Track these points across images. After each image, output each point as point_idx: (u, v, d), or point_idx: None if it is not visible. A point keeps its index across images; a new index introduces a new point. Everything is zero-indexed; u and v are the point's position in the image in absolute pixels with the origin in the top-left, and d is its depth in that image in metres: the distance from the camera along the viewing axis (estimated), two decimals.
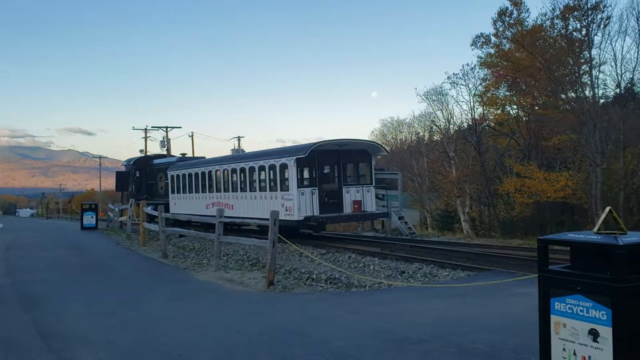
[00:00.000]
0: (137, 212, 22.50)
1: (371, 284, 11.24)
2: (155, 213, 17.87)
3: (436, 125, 41.99)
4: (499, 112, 33.74)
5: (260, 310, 8.60)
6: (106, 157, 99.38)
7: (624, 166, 25.26)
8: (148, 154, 40.55)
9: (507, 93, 32.96)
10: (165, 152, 44.43)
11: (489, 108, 34.72)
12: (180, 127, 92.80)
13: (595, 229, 3.95)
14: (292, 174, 18.09)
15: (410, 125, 54.38)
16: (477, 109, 36.61)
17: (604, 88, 28.37)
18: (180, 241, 20.84)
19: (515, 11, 31.16)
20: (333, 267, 12.98)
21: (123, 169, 33.75)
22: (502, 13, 31.39)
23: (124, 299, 9.62)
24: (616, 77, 26.68)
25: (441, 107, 40.48)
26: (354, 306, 8.61)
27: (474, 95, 36.36)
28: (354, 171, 19.96)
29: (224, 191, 22.16)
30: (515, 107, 33.30)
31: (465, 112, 38.62)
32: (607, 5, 25.35)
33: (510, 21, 31.32)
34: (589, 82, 26.34)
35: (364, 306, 8.60)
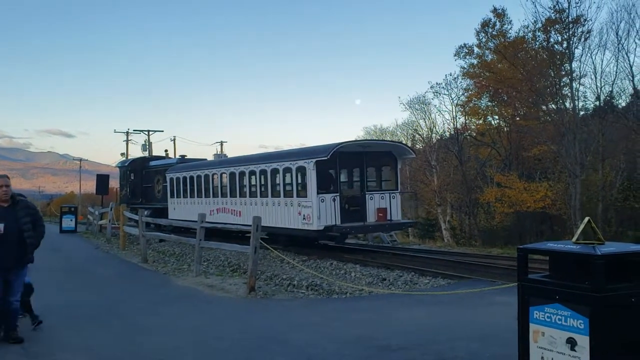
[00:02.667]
0: (118, 216, 22.28)
1: (352, 291, 11.26)
2: (136, 217, 17.70)
3: (419, 134, 42.30)
4: (480, 122, 34.13)
5: (240, 317, 8.57)
6: (87, 160, 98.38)
7: (603, 177, 25.66)
8: (133, 156, 39.77)
9: (489, 103, 33.36)
10: (152, 154, 44.02)
11: (471, 118, 35.11)
12: (162, 131, 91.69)
13: (574, 239, 4.02)
14: (311, 178, 16.35)
15: (393, 134, 54.53)
16: (459, 118, 37.03)
17: (584, 100, 28.81)
18: (160, 246, 20.68)
19: (498, 23, 31.62)
20: (314, 274, 12.97)
21: (104, 171, 33.29)
22: (485, 24, 31.81)
23: (103, 304, 9.52)
24: (596, 90, 27.14)
25: (424, 116, 40.92)
26: (334, 313, 8.61)
27: (456, 105, 36.78)
28: (378, 175, 18.24)
29: (231, 196, 20.43)
30: (496, 117, 33.72)
31: (448, 121, 39.17)
32: (588, 19, 25.75)
33: (493, 32, 31.75)
34: (569, 94, 26.73)
35: (345, 313, 8.61)
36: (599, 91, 27.01)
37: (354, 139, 17.26)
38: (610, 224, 26.09)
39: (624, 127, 25.50)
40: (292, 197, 17.14)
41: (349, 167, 17.89)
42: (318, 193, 16.27)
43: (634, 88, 25.82)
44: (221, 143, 53.62)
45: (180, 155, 29.35)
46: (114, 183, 37.71)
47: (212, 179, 21.93)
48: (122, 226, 19.86)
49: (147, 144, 49.20)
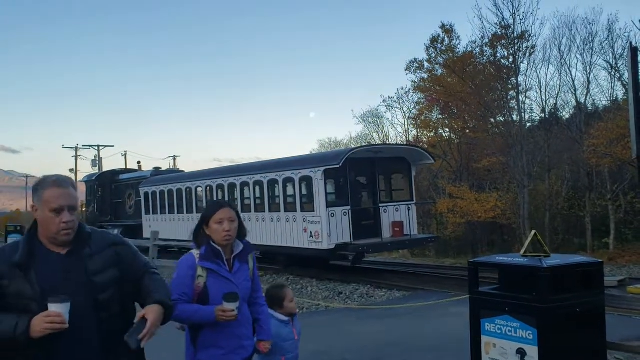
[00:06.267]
0: None
1: (309, 306, 11.27)
2: None
3: None
4: (432, 134, 34.76)
5: None
6: (33, 176, 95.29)
7: (549, 187, 26.47)
8: (104, 170, 38.19)
9: (440, 116, 34.03)
10: (101, 169, 42.94)
11: (423, 131, 35.76)
12: (113, 146, 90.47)
13: (522, 252, 4.16)
14: (319, 189, 14.36)
15: (347, 147, 55.11)
16: (411, 131, 37.72)
17: (530, 113, 29.78)
18: None
19: (446, 38, 32.33)
20: None
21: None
22: (434, 40, 32.49)
23: None
24: (541, 103, 28.10)
25: (377, 129, 41.50)
26: None
27: (409, 118, 37.50)
28: (391, 184, 16.47)
29: None
30: (447, 130, 34.40)
31: (400, 134, 39.63)
32: (532, 35, 26.59)
33: (442, 48, 32.45)
34: (516, 107, 27.55)
35: (301, 329, 8.59)
36: (544, 104, 28.01)
37: (364, 145, 14.90)
38: (557, 232, 26.89)
39: (568, 139, 26.40)
40: (295, 211, 15.26)
41: (361, 175, 15.95)
42: (327, 206, 14.36)
43: (577, 101, 26.81)
44: (174, 157, 52.88)
45: (154, 167, 27.49)
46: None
47: (196, 192, 19.94)
48: None
49: (97, 159, 48.08)
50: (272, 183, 16.25)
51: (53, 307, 2.34)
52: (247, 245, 3.43)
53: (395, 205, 15.69)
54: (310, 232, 14.52)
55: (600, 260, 4.19)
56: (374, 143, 40.35)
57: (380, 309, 10.13)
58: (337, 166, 14.10)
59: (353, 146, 41.44)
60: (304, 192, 15.20)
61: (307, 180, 14.95)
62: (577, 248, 23.91)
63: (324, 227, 14.16)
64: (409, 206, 15.84)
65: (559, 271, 3.84)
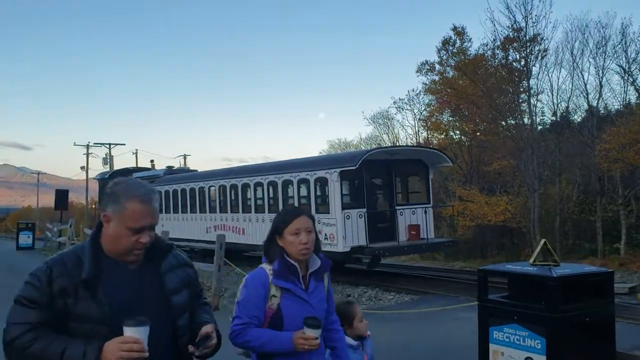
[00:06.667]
0: (78, 232, 21.77)
1: None
2: None
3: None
4: (442, 136, 34.69)
5: None
6: (45, 173, 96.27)
7: (560, 191, 26.30)
8: (119, 168, 38.55)
9: (451, 118, 33.94)
10: (107, 169, 43.22)
11: (433, 133, 35.69)
12: (124, 144, 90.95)
13: (531, 260, 4.15)
14: (334, 191, 14.25)
15: (357, 148, 55.08)
16: (421, 133, 37.61)
17: (541, 116, 29.58)
18: None
19: (458, 41, 32.25)
20: None
21: (63, 184, 32.31)
22: (445, 42, 32.44)
23: None
24: (552, 106, 27.90)
25: (387, 131, 41.42)
26: None
27: (419, 120, 37.40)
28: (407, 187, 16.33)
29: (232, 212, 18.29)
30: (458, 132, 34.29)
31: (411, 136, 39.50)
32: (544, 38, 26.42)
33: (454, 50, 32.38)
34: (527, 110, 27.41)
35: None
36: (556, 107, 27.79)
37: (380, 147, 14.75)
38: (568, 236, 26.70)
39: (580, 142, 26.20)
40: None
41: (376, 177, 15.79)
42: (343, 208, 14.22)
43: (589, 104, 26.61)
44: (184, 156, 53.08)
45: (167, 166, 27.51)
46: (74, 197, 36.86)
47: (209, 192, 19.87)
48: None
49: (109, 157, 48.36)
50: (286, 184, 16.09)
51: (129, 332, 2.00)
52: (324, 261, 2.97)
53: (411, 208, 15.41)
54: (325, 234, 14.27)
55: (610, 270, 4.19)
56: (385, 145, 40.33)
57: (388, 313, 10.13)
58: (354, 168, 13.95)
59: (363, 147, 41.38)
60: (319, 193, 15.08)
61: (322, 182, 14.81)
62: (587, 253, 23.74)
63: (339, 230, 14.03)
64: (426, 209, 15.57)
65: (569, 281, 3.83)
